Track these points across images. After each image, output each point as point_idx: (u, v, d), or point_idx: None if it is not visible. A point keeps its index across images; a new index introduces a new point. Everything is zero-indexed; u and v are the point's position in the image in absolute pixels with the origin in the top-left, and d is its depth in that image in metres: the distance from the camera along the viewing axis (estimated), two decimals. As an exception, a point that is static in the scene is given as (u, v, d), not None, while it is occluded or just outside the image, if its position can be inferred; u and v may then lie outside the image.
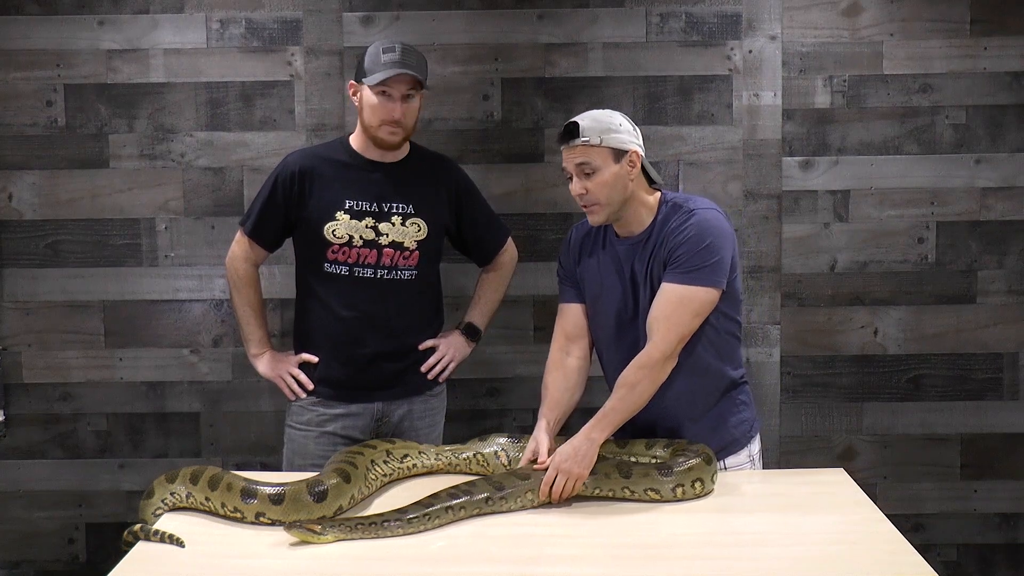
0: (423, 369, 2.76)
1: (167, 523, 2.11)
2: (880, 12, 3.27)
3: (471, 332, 2.87)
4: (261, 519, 2.08)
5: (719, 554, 1.97)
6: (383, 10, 3.25)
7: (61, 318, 3.32)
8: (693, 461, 2.25)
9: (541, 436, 2.39)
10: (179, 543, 1.99)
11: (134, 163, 3.28)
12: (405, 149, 2.74)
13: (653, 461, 2.32)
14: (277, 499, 2.07)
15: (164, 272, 3.31)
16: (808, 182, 3.30)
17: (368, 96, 2.60)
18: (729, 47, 3.27)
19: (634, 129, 2.39)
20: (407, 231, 2.67)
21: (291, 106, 3.27)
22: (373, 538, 2.01)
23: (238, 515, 2.09)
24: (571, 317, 2.55)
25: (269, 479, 2.22)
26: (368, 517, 2.05)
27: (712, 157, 3.29)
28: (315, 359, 2.72)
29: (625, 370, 2.32)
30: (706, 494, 2.27)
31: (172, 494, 2.17)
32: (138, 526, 2.07)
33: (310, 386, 2.72)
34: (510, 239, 2.94)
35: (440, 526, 2.08)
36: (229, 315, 3.31)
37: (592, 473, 2.24)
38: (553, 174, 3.29)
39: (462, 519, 2.12)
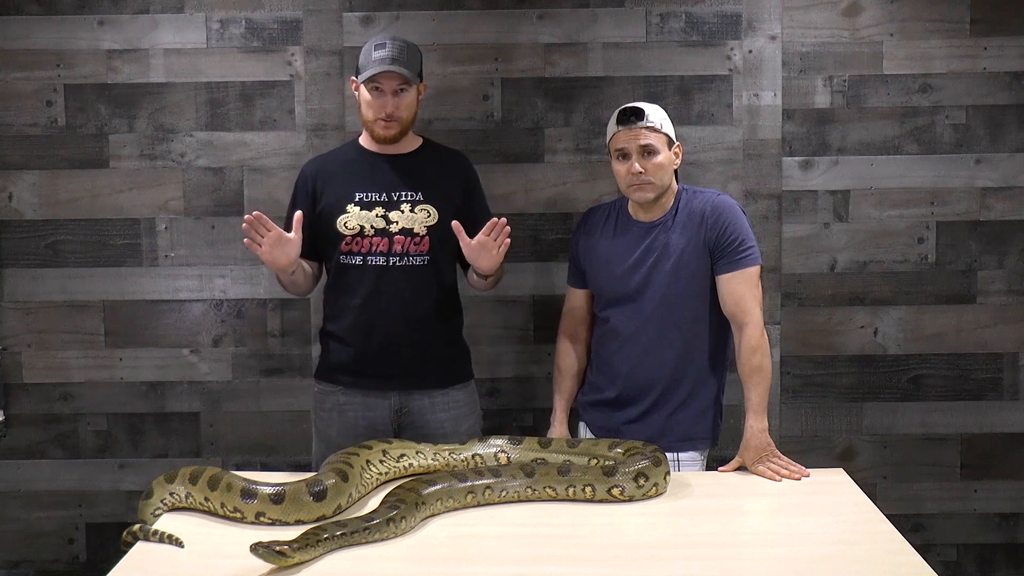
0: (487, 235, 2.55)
1: (166, 523, 2.11)
2: (880, 12, 3.27)
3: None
4: (261, 519, 2.08)
5: (719, 554, 1.97)
6: (383, 10, 3.25)
7: (61, 318, 3.32)
8: (643, 463, 2.26)
9: (563, 431, 2.80)
10: (178, 543, 1.99)
11: (134, 163, 3.28)
12: (416, 143, 2.79)
13: (607, 462, 2.35)
14: (277, 499, 2.07)
15: (164, 272, 3.31)
16: (808, 182, 3.30)
17: (364, 92, 2.69)
18: (729, 47, 3.27)
19: None
20: (416, 217, 2.69)
21: (291, 106, 3.27)
22: (345, 547, 1.96)
23: (238, 515, 2.09)
24: (577, 301, 2.83)
25: (268, 479, 2.22)
26: (331, 526, 2.00)
27: (712, 157, 3.28)
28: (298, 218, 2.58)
29: (742, 361, 2.55)
30: (658, 495, 2.28)
31: (171, 494, 2.17)
32: (137, 526, 2.07)
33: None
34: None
35: (417, 524, 2.08)
36: (229, 315, 3.31)
37: (530, 475, 2.26)
38: (553, 174, 3.29)
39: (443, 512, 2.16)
